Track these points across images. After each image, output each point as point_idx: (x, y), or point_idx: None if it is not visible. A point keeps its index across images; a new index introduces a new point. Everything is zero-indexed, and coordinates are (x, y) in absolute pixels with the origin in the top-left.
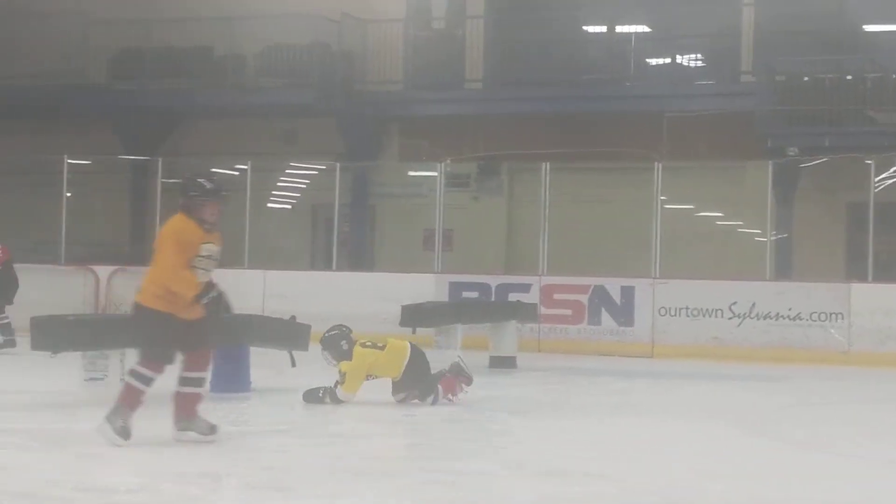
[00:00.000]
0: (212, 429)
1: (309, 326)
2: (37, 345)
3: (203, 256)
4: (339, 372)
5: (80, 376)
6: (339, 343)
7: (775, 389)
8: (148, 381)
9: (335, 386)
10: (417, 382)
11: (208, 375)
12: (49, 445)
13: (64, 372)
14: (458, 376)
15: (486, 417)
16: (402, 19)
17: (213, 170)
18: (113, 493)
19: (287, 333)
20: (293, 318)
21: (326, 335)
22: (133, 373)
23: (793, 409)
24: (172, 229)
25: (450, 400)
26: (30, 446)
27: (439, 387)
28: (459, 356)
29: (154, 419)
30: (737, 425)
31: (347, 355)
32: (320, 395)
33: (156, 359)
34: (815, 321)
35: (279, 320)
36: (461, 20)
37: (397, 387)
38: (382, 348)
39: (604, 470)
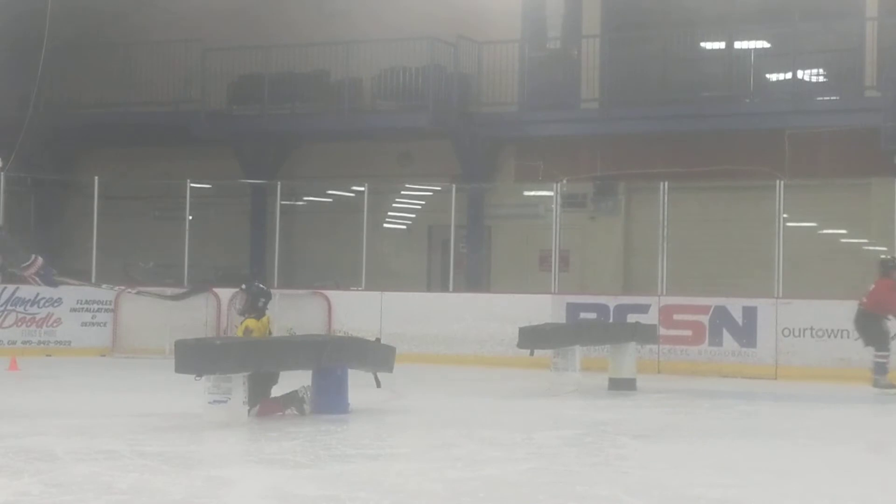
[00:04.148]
0: None
1: (394, 348)
2: (181, 368)
3: None
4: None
5: (204, 399)
6: (257, 300)
7: None
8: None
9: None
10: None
11: None
12: (178, 468)
13: (187, 393)
14: (285, 404)
15: (608, 441)
16: (518, 40)
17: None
18: None
19: (373, 355)
20: (378, 339)
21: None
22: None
23: None
24: None
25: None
26: (160, 469)
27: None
28: (305, 386)
29: (280, 441)
30: (871, 450)
31: (257, 313)
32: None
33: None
34: None
35: (364, 341)
36: (577, 40)
37: None
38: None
39: (738, 498)
